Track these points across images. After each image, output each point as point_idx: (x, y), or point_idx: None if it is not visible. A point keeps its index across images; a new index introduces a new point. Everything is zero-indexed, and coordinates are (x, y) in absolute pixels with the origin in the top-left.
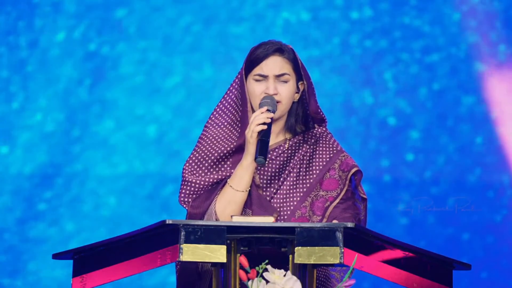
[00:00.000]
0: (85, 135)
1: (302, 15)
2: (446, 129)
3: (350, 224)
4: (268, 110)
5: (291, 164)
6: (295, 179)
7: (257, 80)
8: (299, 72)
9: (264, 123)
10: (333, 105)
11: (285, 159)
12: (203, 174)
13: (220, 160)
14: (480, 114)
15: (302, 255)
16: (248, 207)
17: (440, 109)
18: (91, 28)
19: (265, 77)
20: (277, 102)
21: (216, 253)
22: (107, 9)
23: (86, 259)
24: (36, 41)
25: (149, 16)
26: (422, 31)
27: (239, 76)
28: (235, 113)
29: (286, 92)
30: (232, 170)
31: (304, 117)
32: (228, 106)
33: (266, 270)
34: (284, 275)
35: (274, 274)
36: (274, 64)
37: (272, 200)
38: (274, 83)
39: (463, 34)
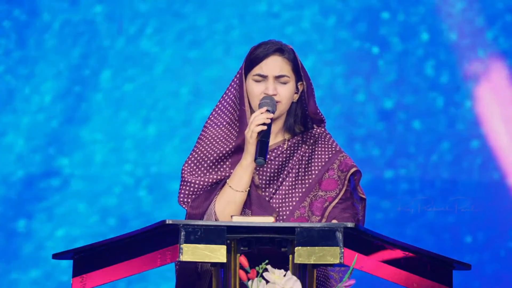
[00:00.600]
0: (71, 143)
1: (303, 8)
2: (446, 128)
3: (350, 224)
4: (267, 110)
5: (290, 165)
6: (294, 179)
7: (256, 80)
8: (299, 72)
9: (263, 124)
10: (333, 98)
11: (284, 159)
12: (202, 175)
13: (219, 160)
14: (477, 113)
15: (302, 255)
16: (247, 207)
17: (438, 106)
18: (78, 37)
19: (264, 77)
20: (277, 102)
21: (216, 253)
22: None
23: (86, 259)
24: (25, 50)
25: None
26: (421, 24)
27: (238, 75)
28: (234, 113)
29: (285, 93)
30: (231, 170)
31: (303, 117)
32: (227, 105)
33: (266, 270)
34: (284, 275)
35: (274, 274)
36: (274, 64)
37: (271, 201)
38: (273, 83)
39: (456, 32)
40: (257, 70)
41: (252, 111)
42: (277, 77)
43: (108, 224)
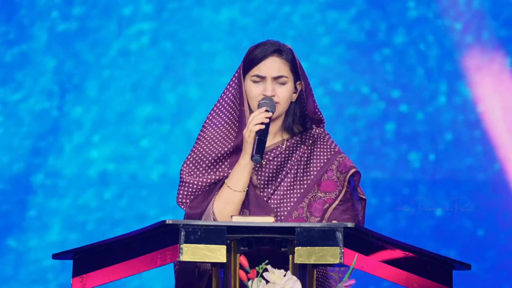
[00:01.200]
0: (58, 146)
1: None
2: (445, 128)
3: (350, 224)
4: (266, 110)
5: (288, 165)
6: (292, 180)
7: (254, 81)
8: (297, 72)
9: (262, 123)
10: (334, 93)
11: (283, 160)
12: (200, 175)
13: (218, 160)
14: (476, 111)
15: (302, 255)
16: (245, 207)
17: (436, 107)
18: (68, 43)
19: (263, 78)
20: (275, 103)
21: (216, 253)
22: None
23: (86, 259)
24: (14, 52)
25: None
26: (424, 15)
27: (236, 75)
28: (233, 113)
29: (284, 93)
30: (230, 171)
31: (301, 117)
32: (226, 105)
33: (266, 270)
34: (284, 275)
35: (274, 274)
36: (272, 65)
37: (269, 201)
38: (272, 84)
39: (454, 30)
40: (255, 71)
41: (251, 112)
42: (276, 78)
43: (90, 235)
